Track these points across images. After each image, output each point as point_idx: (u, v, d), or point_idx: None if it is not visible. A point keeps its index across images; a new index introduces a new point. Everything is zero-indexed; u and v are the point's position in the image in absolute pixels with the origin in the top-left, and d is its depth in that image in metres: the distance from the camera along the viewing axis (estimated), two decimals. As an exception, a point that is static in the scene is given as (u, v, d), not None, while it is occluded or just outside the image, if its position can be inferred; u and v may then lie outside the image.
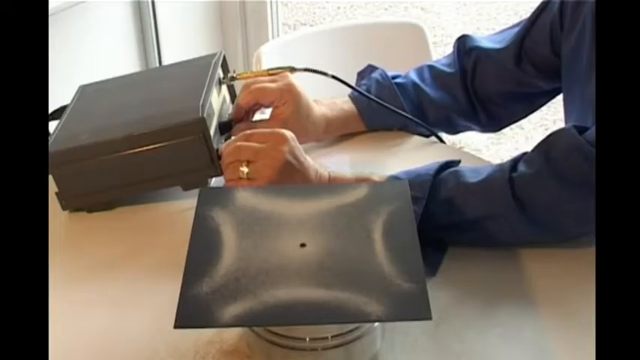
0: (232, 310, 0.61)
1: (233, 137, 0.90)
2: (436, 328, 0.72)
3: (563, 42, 0.98)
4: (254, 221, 0.70)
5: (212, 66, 0.99)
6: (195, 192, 0.74)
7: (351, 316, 0.61)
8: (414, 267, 0.64)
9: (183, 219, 0.87)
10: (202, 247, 0.67)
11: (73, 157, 0.89)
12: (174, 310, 0.60)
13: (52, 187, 0.90)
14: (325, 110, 1.05)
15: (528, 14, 1.06)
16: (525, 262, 0.82)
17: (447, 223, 0.82)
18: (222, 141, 0.95)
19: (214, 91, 0.96)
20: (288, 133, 0.86)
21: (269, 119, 1.00)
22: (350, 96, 1.09)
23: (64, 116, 0.97)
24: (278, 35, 2.59)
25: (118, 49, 2.12)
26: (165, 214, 0.93)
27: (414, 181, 0.81)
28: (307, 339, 0.65)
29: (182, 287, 0.63)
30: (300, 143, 0.88)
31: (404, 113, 1.05)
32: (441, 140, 1.10)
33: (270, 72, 1.00)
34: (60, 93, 1.07)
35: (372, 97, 1.05)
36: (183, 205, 0.92)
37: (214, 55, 1.03)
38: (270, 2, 2.53)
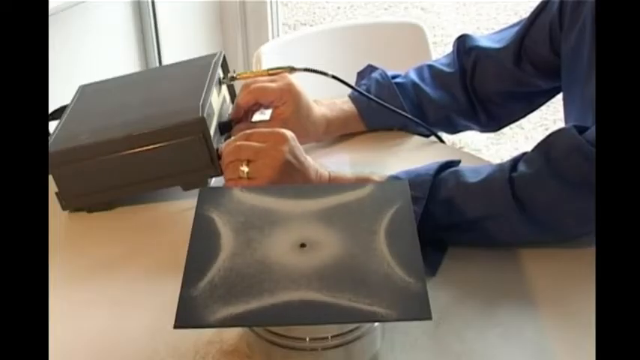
0: (232, 310, 0.61)
1: (233, 137, 0.90)
2: (436, 328, 0.72)
3: (563, 41, 0.98)
4: (254, 221, 0.70)
5: (212, 66, 0.99)
6: (195, 192, 0.74)
7: (351, 316, 0.61)
8: (414, 267, 0.64)
9: (183, 219, 0.87)
10: (202, 247, 0.67)
11: (73, 157, 0.89)
12: (174, 310, 0.60)
13: (52, 187, 0.90)
14: (325, 110, 1.05)
15: (528, 14, 1.06)
16: (525, 262, 0.82)
17: (447, 223, 0.82)
18: (222, 141, 0.95)
19: (214, 91, 0.96)
20: (288, 133, 0.86)
21: (269, 119, 1.00)
22: (350, 96, 1.09)
23: (64, 116, 0.97)
24: (278, 35, 2.59)
25: (118, 49, 2.12)
26: (165, 214, 0.93)
27: (414, 181, 0.81)
28: (307, 339, 0.65)
29: (182, 287, 0.63)
30: (301, 143, 0.88)
31: (404, 113, 1.05)
32: (441, 140, 1.10)
33: (270, 72, 1.00)
34: (60, 93, 1.07)
35: (372, 97, 1.05)
36: (183, 205, 0.92)
37: (214, 55, 1.03)
38: (270, 2, 2.53)
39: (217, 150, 0.89)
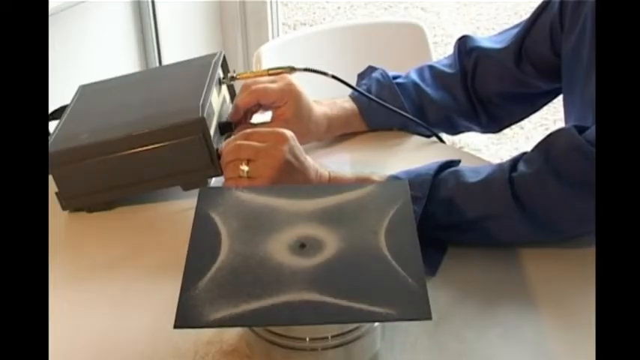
0: (232, 310, 0.61)
1: (233, 136, 0.90)
2: (436, 328, 0.72)
3: (564, 42, 0.98)
4: (254, 221, 0.70)
5: (212, 66, 0.99)
6: (195, 192, 0.74)
7: (351, 316, 0.61)
8: (414, 267, 0.64)
9: (183, 219, 0.87)
10: (202, 248, 0.67)
11: (73, 157, 0.89)
12: (174, 310, 0.60)
13: (52, 187, 0.90)
14: (326, 109, 1.05)
15: (528, 14, 1.06)
16: (525, 262, 0.82)
17: (447, 223, 0.82)
18: (222, 141, 0.95)
19: (214, 91, 0.96)
20: (288, 133, 0.86)
21: (271, 121, 1.00)
22: (350, 96, 1.09)
23: (64, 116, 0.97)
24: (278, 35, 2.59)
25: (118, 49, 2.12)
26: (165, 214, 0.93)
27: (414, 180, 0.81)
28: (307, 339, 0.65)
29: (182, 287, 0.63)
30: (302, 143, 0.88)
31: (404, 113, 1.05)
32: (441, 140, 1.10)
33: (270, 72, 1.00)
34: (60, 93, 1.07)
35: (373, 97, 1.05)
36: (183, 205, 0.92)
37: (214, 55, 1.03)
38: (270, 2, 2.53)
39: (217, 150, 0.89)
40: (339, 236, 0.68)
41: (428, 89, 1.08)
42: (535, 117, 1.37)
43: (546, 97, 1.10)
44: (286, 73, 1.00)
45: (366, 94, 1.05)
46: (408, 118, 1.05)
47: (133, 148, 0.88)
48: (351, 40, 1.69)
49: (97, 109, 0.98)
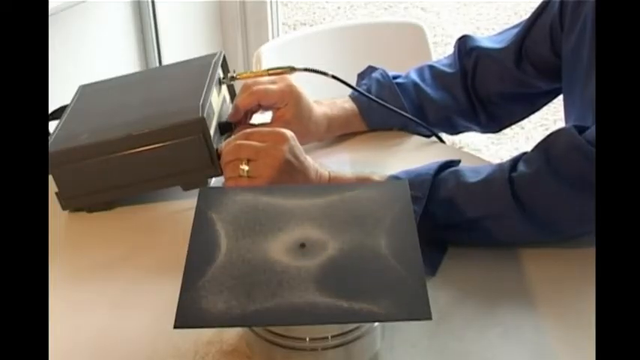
0: (232, 310, 0.61)
1: (233, 136, 0.90)
2: (436, 328, 0.72)
3: (564, 42, 0.98)
4: (254, 221, 0.70)
5: (212, 66, 0.99)
6: (195, 192, 0.74)
7: (351, 316, 0.61)
8: (414, 267, 0.64)
9: (183, 219, 0.87)
10: (202, 248, 0.67)
11: (73, 157, 0.89)
12: (174, 310, 0.60)
13: (52, 187, 0.90)
14: (326, 109, 1.05)
15: (528, 14, 1.06)
16: (525, 262, 0.82)
17: (447, 223, 0.82)
18: (222, 141, 0.95)
19: (214, 91, 0.96)
20: (288, 133, 0.86)
21: (271, 122, 1.00)
22: (350, 96, 1.09)
23: (64, 116, 0.97)
24: (278, 35, 2.59)
25: (118, 49, 2.12)
26: (165, 214, 0.93)
27: (414, 180, 0.81)
28: (307, 339, 0.65)
29: (182, 287, 0.63)
30: (302, 143, 0.88)
31: (404, 113, 1.05)
32: (441, 140, 1.10)
33: (270, 72, 1.00)
34: (60, 93, 1.07)
35: (373, 97, 1.05)
36: (183, 205, 0.92)
37: (214, 55, 1.03)
38: (270, 2, 2.53)
39: (217, 150, 0.89)
40: (339, 236, 0.68)
41: (428, 89, 1.08)
42: (535, 117, 1.37)
43: (546, 97, 1.10)
44: (286, 73, 1.00)
45: (366, 94, 1.05)
46: (407, 118, 1.05)
47: (133, 148, 0.88)
48: (351, 40, 1.69)
49: (97, 109, 0.98)
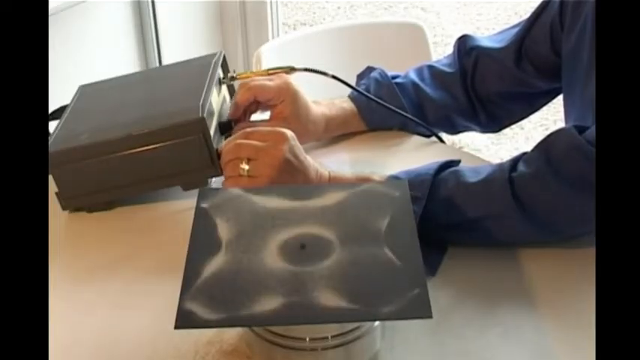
0: (232, 310, 0.61)
1: (233, 135, 0.90)
2: (436, 328, 0.72)
3: (564, 42, 0.98)
4: (254, 221, 0.70)
5: (212, 66, 0.99)
6: (195, 192, 0.74)
7: (351, 315, 0.61)
8: (414, 267, 0.64)
9: (183, 219, 0.87)
10: (202, 248, 0.67)
11: (73, 157, 0.89)
12: (175, 311, 0.60)
13: (52, 187, 0.90)
14: (324, 109, 1.05)
15: (528, 14, 1.06)
16: (525, 262, 0.82)
17: (447, 223, 0.82)
18: (222, 141, 0.95)
19: (214, 91, 0.96)
20: (289, 132, 0.86)
21: (269, 119, 1.00)
22: (349, 96, 1.09)
23: (64, 116, 0.97)
24: (278, 35, 2.59)
25: (118, 49, 2.12)
26: (165, 214, 0.93)
27: (414, 180, 0.81)
28: (307, 339, 0.65)
29: (182, 287, 0.63)
30: (301, 143, 0.88)
31: (403, 113, 1.05)
32: (441, 140, 1.10)
33: (270, 72, 1.01)
34: (60, 93, 1.07)
35: (372, 96, 1.05)
36: (183, 205, 0.92)
37: (214, 55, 1.03)
38: (270, 2, 2.53)
39: (217, 150, 0.89)
40: (339, 236, 0.68)
41: (427, 89, 1.08)
42: (535, 117, 1.37)
43: (546, 97, 1.10)
44: (286, 73, 1.00)
45: (366, 93, 1.05)
46: (407, 117, 1.05)
47: (133, 148, 0.88)
48: (351, 40, 1.69)
49: (97, 109, 0.98)
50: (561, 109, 1.02)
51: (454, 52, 1.11)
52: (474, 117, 1.10)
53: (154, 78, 1.09)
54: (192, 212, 0.71)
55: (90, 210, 0.93)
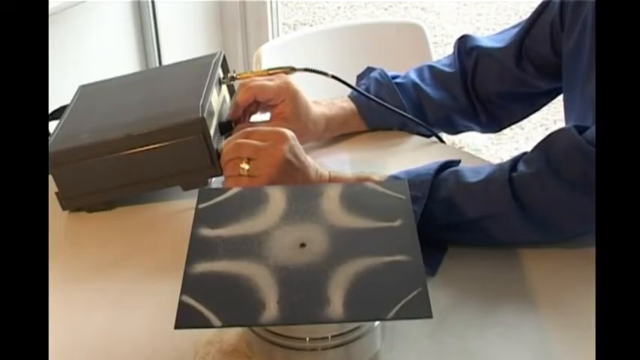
0: (232, 310, 0.61)
1: (233, 135, 0.90)
2: (436, 328, 0.72)
3: (564, 41, 0.98)
4: (254, 221, 0.70)
5: (212, 66, 0.99)
6: (195, 192, 0.74)
7: (351, 315, 0.61)
8: (414, 267, 0.64)
9: (183, 219, 0.87)
10: (202, 248, 0.67)
11: (73, 157, 0.89)
12: (175, 310, 0.60)
13: (52, 187, 0.90)
14: (324, 109, 1.05)
15: (528, 14, 1.06)
16: (525, 262, 0.82)
17: (447, 223, 0.82)
18: (222, 141, 0.95)
19: (214, 91, 0.96)
20: (289, 132, 0.86)
21: (269, 120, 1.00)
22: (349, 96, 1.09)
23: (64, 116, 0.96)
24: (278, 35, 2.59)
25: (118, 49, 2.12)
26: (165, 214, 0.93)
27: (414, 180, 0.81)
28: (307, 339, 0.65)
29: (182, 287, 0.63)
30: (301, 143, 0.88)
31: (403, 113, 1.05)
32: (441, 140, 1.10)
33: (270, 72, 1.01)
34: (60, 93, 1.07)
35: (372, 96, 1.05)
36: (183, 205, 0.92)
37: (214, 55, 1.03)
38: (270, 2, 2.53)
39: (217, 150, 0.89)
40: (339, 236, 0.68)
41: (427, 89, 1.08)
42: (535, 117, 1.37)
43: (546, 97, 1.10)
44: (286, 73, 1.00)
45: (366, 93, 1.05)
46: (407, 117, 1.05)
47: (133, 148, 0.88)
48: (351, 40, 1.69)
49: (97, 109, 0.98)
50: (561, 109, 1.02)
51: (454, 52, 1.11)
52: (474, 117, 1.10)
53: (154, 78, 1.09)
54: (192, 212, 0.71)
55: (90, 210, 0.93)
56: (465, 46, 1.09)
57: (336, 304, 0.60)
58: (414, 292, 0.61)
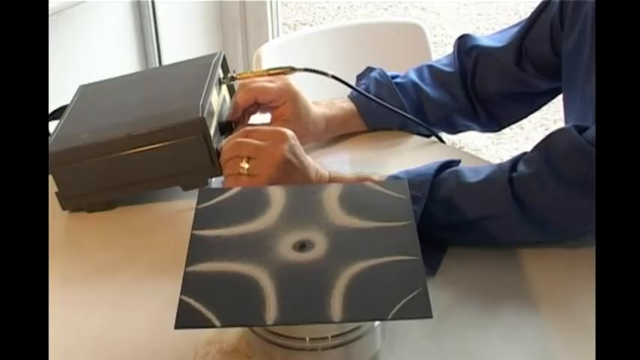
0: (232, 310, 0.61)
1: (233, 134, 0.90)
2: (436, 328, 0.72)
3: (564, 41, 0.98)
4: (254, 221, 0.70)
5: (212, 66, 0.99)
6: (195, 192, 0.74)
7: (351, 315, 0.61)
8: (414, 267, 0.64)
9: (183, 219, 0.87)
10: (202, 248, 0.67)
11: (73, 157, 0.89)
12: (174, 310, 0.60)
13: (52, 187, 0.90)
14: (324, 109, 1.05)
15: (528, 14, 1.06)
16: (525, 262, 0.82)
17: (447, 223, 0.82)
18: (222, 141, 0.95)
19: (214, 91, 0.96)
20: (289, 132, 0.86)
21: (270, 122, 1.00)
22: (349, 96, 1.09)
23: (64, 116, 0.96)
24: (278, 35, 2.59)
25: (118, 49, 2.12)
26: (165, 214, 0.93)
27: (414, 180, 0.81)
28: (307, 339, 0.65)
29: (182, 287, 0.63)
30: (302, 143, 0.88)
31: (403, 113, 1.05)
32: (441, 140, 1.10)
33: (270, 72, 1.00)
34: (60, 93, 1.07)
35: (372, 96, 1.05)
36: (183, 205, 0.92)
37: (214, 55, 1.02)
38: (270, 2, 2.53)
39: (217, 150, 0.89)
40: (339, 236, 0.68)
41: (427, 89, 1.08)
42: (535, 117, 1.37)
43: (546, 97, 1.10)
44: (286, 73, 1.00)
45: (366, 93, 1.05)
46: (407, 117, 1.05)
47: (133, 148, 0.88)
48: (351, 40, 1.69)
49: (97, 109, 0.98)
50: (561, 109, 1.02)
51: (454, 51, 1.11)
52: (474, 117, 1.10)
53: (154, 78, 1.09)
54: (192, 212, 0.71)
55: (90, 210, 0.93)
56: (464, 45, 1.09)
57: (336, 304, 0.60)
58: (414, 292, 0.61)
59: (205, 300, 0.61)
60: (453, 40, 1.12)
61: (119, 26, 2.11)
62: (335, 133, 1.08)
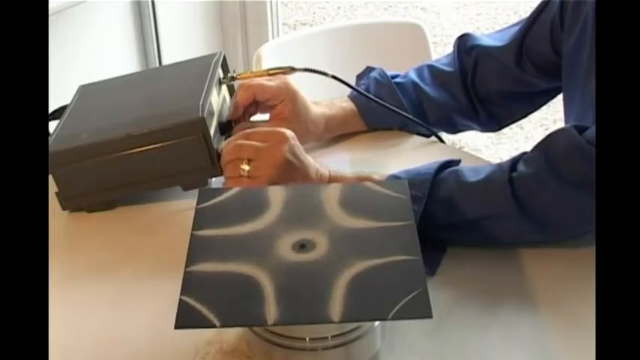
0: (232, 310, 0.61)
1: (233, 136, 0.90)
2: (436, 328, 0.72)
3: (564, 41, 0.98)
4: (254, 221, 0.70)
5: (212, 66, 0.99)
6: (195, 192, 0.74)
7: (351, 315, 0.61)
8: (414, 267, 0.64)
9: (183, 219, 0.87)
10: (202, 248, 0.67)
11: (73, 157, 0.89)
12: (175, 310, 0.60)
13: (52, 187, 0.90)
14: (324, 109, 1.05)
15: (528, 14, 1.06)
16: (525, 262, 0.82)
17: (447, 223, 0.82)
18: (222, 141, 0.95)
19: (214, 91, 0.96)
20: (289, 132, 0.86)
21: (269, 120, 1.00)
22: (349, 96, 1.09)
23: (64, 116, 0.96)
24: (278, 35, 2.59)
25: (118, 49, 2.12)
26: (165, 214, 0.93)
27: (414, 180, 0.81)
28: (307, 339, 0.65)
29: (182, 287, 0.63)
30: (302, 143, 0.88)
31: (403, 113, 1.05)
32: (441, 140, 1.10)
33: (270, 72, 1.01)
34: (60, 93, 1.07)
35: (372, 96, 1.05)
36: (183, 205, 0.92)
37: (214, 55, 1.02)
38: (270, 2, 2.53)
39: (217, 150, 0.89)
40: (339, 237, 0.68)
41: (427, 88, 1.08)
42: (535, 117, 1.37)
43: (546, 96, 1.10)
44: (286, 73, 1.00)
45: (366, 93, 1.05)
46: (407, 117, 1.05)
47: (133, 148, 0.88)
48: (351, 40, 1.69)
49: (97, 109, 0.98)
50: (561, 108, 1.02)
51: (454, 51, 1.11)
52: (474, 116, 1.10)
53: (154, 78, 1.09)
54: (192, 212, 0.71)
55: (90, 210, 0.93)
56: (464, 45, 1.09)
57: (336, 304, 0.60)
58: (414, 292, 0.61)
59: (205, 300, 0.61)
60: (452, 40, 1.12)
61: (119, 26, 2.11)
62: (335, 132, 1.08)
